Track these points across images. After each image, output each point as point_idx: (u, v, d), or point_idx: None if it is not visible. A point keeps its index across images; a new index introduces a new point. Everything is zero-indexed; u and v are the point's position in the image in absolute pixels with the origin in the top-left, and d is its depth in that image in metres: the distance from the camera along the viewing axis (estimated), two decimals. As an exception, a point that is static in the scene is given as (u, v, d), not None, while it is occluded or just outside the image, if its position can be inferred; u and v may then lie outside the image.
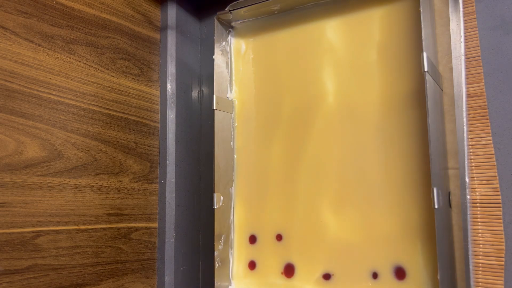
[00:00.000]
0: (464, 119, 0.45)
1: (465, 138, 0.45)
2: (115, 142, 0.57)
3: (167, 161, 0.62)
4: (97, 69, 0.55)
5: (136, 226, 0.58)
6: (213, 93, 0.56)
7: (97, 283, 0.53)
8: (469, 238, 0.44)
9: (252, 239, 0.56)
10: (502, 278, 0.43)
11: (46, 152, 0.48)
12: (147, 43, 0.63)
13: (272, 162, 0.56)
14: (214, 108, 0.56)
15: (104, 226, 0.54)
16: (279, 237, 0.54)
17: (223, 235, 0.56)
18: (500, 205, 0.44)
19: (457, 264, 0.44)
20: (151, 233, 0.60)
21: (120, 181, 0.57)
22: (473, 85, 0.46)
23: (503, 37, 0.46)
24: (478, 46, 0.47)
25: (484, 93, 0.46)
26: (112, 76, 0.57)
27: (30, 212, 0.46)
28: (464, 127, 0.45)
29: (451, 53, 0.46)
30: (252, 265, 0.56)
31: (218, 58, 0.58)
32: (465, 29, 0.47)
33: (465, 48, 0.47)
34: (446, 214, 0.43)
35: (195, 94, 0.67)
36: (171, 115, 0.63)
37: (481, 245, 0.44)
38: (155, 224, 0.61)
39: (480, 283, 0.44)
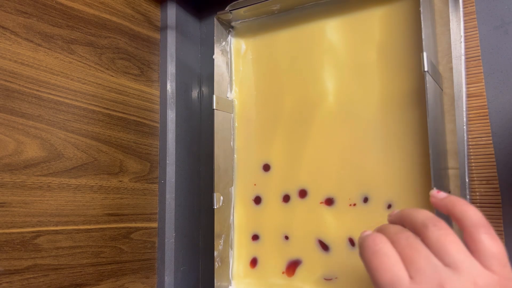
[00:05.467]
0: (464, 119, 0.45)
1: (465, 138, 0.45)
2: (115, 142, 0.57)
3: (167, 161, 0.62)
4: (97, 69, 0.55)
5: (136, 226, 0.58)
6: (213, 93, 0.56)
7: (97, 283, 0.53)
8: (469, 238, 0.44)
9: (255, 238, 0.56)
10: (502, 278, 0.43)
11: (46, 152, 0.48)
12: (147, 43, 0.63)
13: (272, 162, 0.56)
14: (214, 108, 0.56)
15: (104, 226, 0.54)
16: (282, 237, 0.54)
17: (223, 235, 0.56)
18: (500, 205, 0.44)
19: (457, 264, 0.44)
20: (151, 233, 0.60)
21: (120, 181, 0.57)
22: (473, 85, 0.46)
23: (503, 37, 0.46)
24: (478, 46, 0.47)
25: (484, 93, 0.46)
26: (112, 76, 0.57)
27: (30, 212, 0.46)
28: (464, 127, 0.45)
29: (451, 53, 0.46)
30: (253, 263, 0.56)
31: (218, 58, 0.58)
32: (465, 29, 0.47)
33: (465, 48, 0.47)
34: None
35: (195, 94, 0.67)
36: (171, 115, 0.63)
37: (481, 245, 0.44)
38: (155, 224, 0.61)
39: (480, 283, 0.44)
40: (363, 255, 0.29)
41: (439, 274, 0.25)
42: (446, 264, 0.26)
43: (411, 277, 0.26)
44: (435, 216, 0.29)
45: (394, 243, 0.28)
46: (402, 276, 0.26)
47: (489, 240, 0.26)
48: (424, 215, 0.29)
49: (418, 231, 0.28)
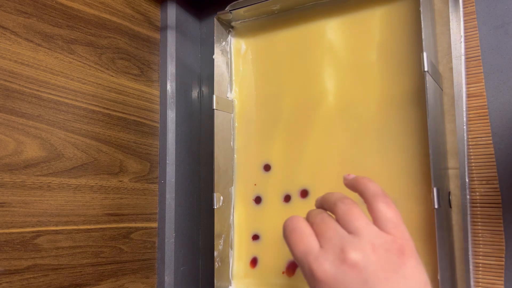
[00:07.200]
0: (464, 119, 0.45)
1: (465, 138, 0.45)
2: (115, 142, 0.57)
3: (167, 161, 0.62)
4: (97, 69, 0.55)
5: (136, 226, 0.58)
6: (213, 93, 0.56)
7: (97, 283, 0.53)
8: (469, 238, 0.44)
9: (255, 238, 0.56)
10: (502, 278, 0.43)
11: (46, 152, 0.48)
12: (147, 43, 0.63)
13: (272, 162, 0.56)
14: (214, 108, 0.56)
15: (104, 226, 0.54)
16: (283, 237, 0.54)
17: (223, 235, 0.56)
18: (500, 205, 0.44)
19: (457, 264, 0.44)
20: (151, 233, 0.60)
21: (120, 181, 0.57)
22: (473, 85, 0.46)
23: (503, 37, 0.46)
24: (478, 46, 0.47)
25: (484, 93, 0.46)
26: (112, 76, 0.57)
27: (30, 212, 0.46)
28: (464, 127, 0.45)
29: (451, 53, 0.46)
30: (253, 263, 0.56)
31: (218, 58, 0.58)
32: (465, 29, 0.47)
33: (465, 48, 0.47)
34: (446, 214, 0.43)
35: (195, 94, 0.67)
36: (171, 115, 0.63)
37: (481, 245, 0.44)
38: (155, 224, 0.61)
39: (480, 283, 0.44)
40: (284, 234, 0.33)
41: (343, 240, 0.29)
42: (349, 232, 0.30)
43: (321, 246, 0.30)
44: (344, 196, 0.33)
45: (311, 223, 0.32)
46: (314, 246, 0.30)
47: (385, 207, 0.31)
48: (335, 196, 0.33)
49: (331, 209, 0.33)
